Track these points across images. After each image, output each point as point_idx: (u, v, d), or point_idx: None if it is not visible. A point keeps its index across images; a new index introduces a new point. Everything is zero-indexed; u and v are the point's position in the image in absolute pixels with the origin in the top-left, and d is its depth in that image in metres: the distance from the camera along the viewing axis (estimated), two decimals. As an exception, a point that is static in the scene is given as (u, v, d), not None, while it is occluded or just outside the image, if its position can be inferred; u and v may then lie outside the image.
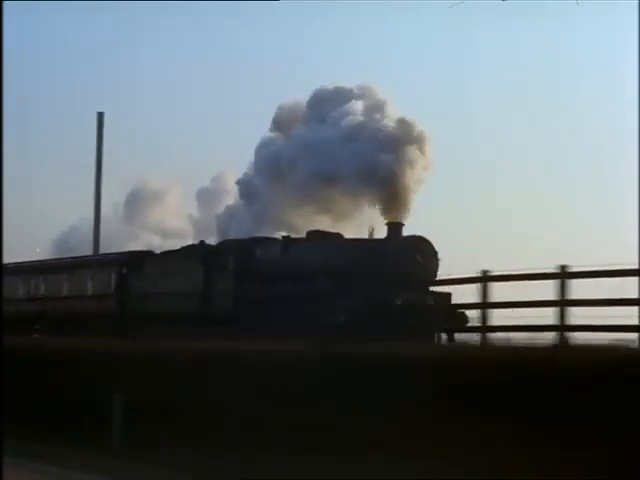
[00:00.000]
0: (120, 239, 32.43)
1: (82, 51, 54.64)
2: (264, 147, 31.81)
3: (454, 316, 20.06)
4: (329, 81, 31.77)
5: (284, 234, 24.00)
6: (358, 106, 27.64)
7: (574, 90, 46.48)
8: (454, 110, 45.43)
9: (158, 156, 48.81)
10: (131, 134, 52.63)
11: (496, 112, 47.72)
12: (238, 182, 33.69)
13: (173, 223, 37.51)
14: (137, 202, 38.47)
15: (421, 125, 24.54)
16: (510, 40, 47.85)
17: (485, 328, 18.37)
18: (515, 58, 47.13)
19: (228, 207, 34.54)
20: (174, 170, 41.54)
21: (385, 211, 22.41)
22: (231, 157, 38.36)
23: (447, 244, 23.46)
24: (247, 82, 49.54)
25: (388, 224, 21.68)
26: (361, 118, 26.31)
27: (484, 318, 17.76)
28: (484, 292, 17.41)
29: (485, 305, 19.30)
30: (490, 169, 45.87)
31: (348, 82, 30.64)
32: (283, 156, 29.11)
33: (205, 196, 38.35)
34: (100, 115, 37.01)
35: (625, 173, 31.57)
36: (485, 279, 17.70)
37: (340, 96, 29.65)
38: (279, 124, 32.14)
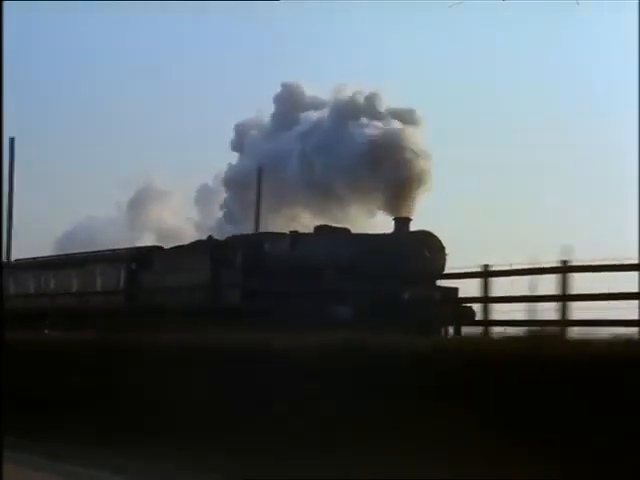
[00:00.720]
0: (120, 239, 32.41)
1: (83, 50, 54.69)
2: (231, 170, 32.23)
3: (461, 310, 20.17)
4: (327, 81, 31.94)
5: (292, 229, 24.11)
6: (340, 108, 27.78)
7: (574, 90, 46.45)
8: (453, 110, 45.39)
9: (164, 155, 48.92)
10: (137, 132, 52.69)
11: (496, 112, 47.74)
12: (221, 206, 33.86)
13: (174, 224, 37.36)
14: (140, 202, 38.39)
15: (419, 123, 24.73)
16: (510, 40, 47.78)
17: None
18: (515, 58, 47.11)
19: (218, 220, 34.70)
20: (179, 170, 41.51)
21: (392, 206, 22.49)
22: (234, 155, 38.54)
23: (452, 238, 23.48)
24: (249, 82, 49.60)
25: (395, 219, 21.75)
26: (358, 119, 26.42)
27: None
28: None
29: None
30: (490, 168, 45.90)
31: (346, 83, 30.79)
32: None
33: (205, 195, 38.33)
34: (11, 141, 34.46)
35: (625, 172, 31.67)
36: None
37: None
38: (239, 143, 32.47)
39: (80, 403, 11.83)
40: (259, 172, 31.53)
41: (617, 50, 44.79)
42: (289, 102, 31.55)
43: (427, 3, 36.65)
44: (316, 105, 30.07)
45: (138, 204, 38.25)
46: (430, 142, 24.67)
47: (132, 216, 37.70)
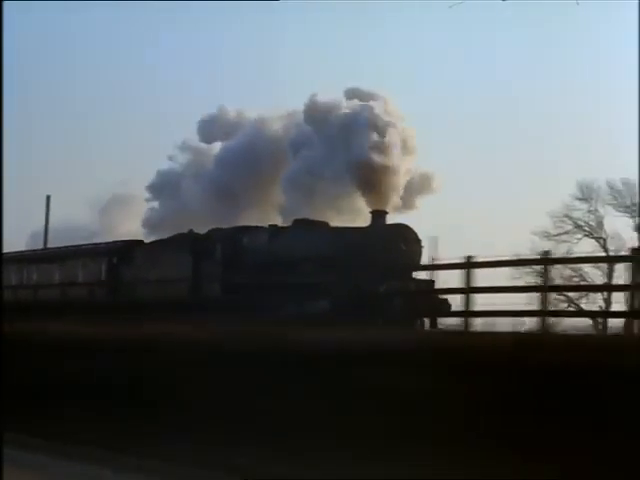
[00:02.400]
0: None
1: (83, 51, 54.77)
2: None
3: (437, 302, 20.41)
4: (326, 82, 31.87)
5: (271, 223, 24.35)
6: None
7: (574, 90, 46.61)
8: (453, 110, 45.51)
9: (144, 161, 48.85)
10: (121, 136, 52.64)
11: (495, 112, 47.93)
12: None
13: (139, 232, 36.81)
14: (113, 208, 38.06)
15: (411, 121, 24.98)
16: (510, 40, 47.94)
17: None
18: (515, 58, 47.26)
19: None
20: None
21: (368, 199, 22.72)
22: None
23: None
24: (250, 84, 49.71)
25: (372, 212, 22.00)
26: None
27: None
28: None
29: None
30: (488, 169, 46.04)
31: (345, 83, 30.84)
32: None
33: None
34: None
35: (624, 172, 32.10)
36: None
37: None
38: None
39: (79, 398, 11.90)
40: (47, 200, 38.32)
41: (617, 50, 45.01)
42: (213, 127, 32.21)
43: (427, 3, 36.88)
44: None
45: (112, 209, 37.89)
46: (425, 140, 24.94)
47: (103, 220, 37.30)
